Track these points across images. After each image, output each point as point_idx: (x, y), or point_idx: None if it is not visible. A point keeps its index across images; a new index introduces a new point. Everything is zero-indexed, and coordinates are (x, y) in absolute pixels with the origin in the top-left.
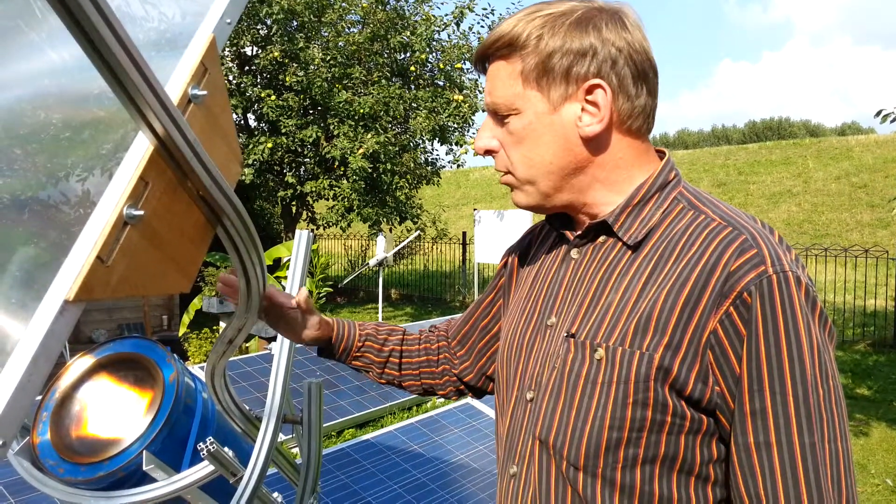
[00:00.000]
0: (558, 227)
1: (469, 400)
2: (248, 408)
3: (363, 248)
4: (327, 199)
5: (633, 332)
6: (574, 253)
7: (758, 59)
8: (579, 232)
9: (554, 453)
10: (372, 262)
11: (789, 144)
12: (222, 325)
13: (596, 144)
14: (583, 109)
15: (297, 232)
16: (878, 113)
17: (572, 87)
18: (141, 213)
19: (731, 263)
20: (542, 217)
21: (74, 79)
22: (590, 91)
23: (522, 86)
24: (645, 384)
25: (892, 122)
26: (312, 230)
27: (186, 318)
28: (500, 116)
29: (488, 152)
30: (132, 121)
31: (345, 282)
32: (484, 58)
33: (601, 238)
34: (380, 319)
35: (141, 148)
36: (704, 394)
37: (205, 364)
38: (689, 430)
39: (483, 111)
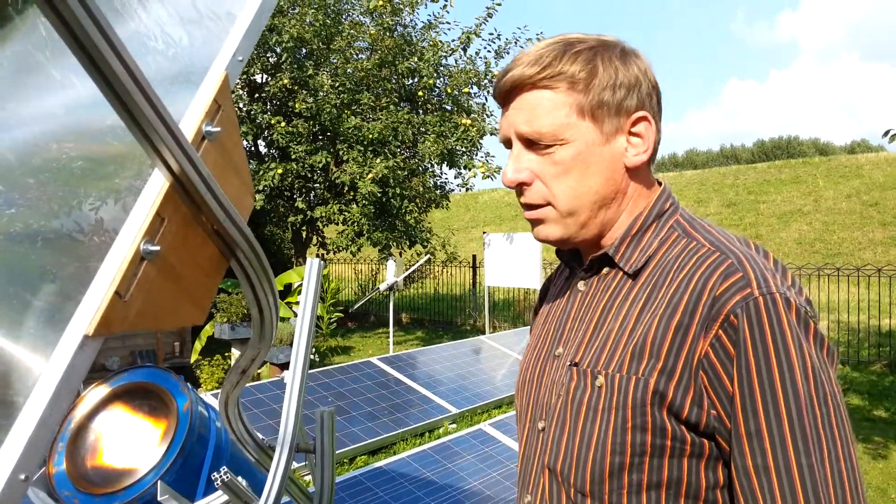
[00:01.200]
0: (567, 260)
1: (481, 426)
2: (261, 437)
3: (373, 273)
4: (337, 224)
5: (630, 358)
6: (581, 285)
7: (765, 77)
8: (586, 265)
9: (562, 481)
10: (382, 286)
11: (799, 163)
12: (234, 351)
13: (633, 174)
14: (627, 140)
15: (308, 260)
16: (886, 133)
17: (623, 119)
18: (157, 248)
19: (717, 288)
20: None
21: (91, 114)
22: (635, 123)
23: (576, 117)
24: (642, 409)
25: None
26: (322, 255)
27: (198, 345)
28: (538, 146)
29: (522, 184)
30: (147, 156)
31: (356, 307)
32: (520, 87)
33: (605, 269)
34: (391, 343)
35: (157, 184)
36: (701, 417)
37: (217, 391)
38: (690, 454)
39: (491, 135)
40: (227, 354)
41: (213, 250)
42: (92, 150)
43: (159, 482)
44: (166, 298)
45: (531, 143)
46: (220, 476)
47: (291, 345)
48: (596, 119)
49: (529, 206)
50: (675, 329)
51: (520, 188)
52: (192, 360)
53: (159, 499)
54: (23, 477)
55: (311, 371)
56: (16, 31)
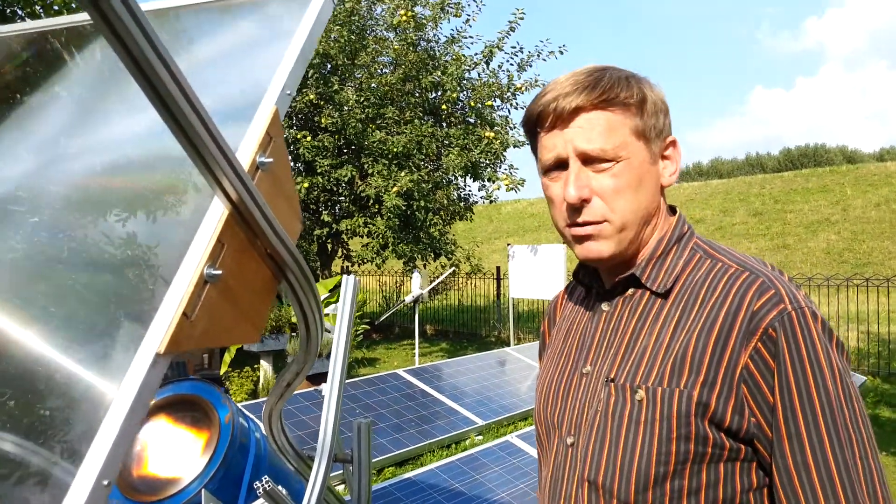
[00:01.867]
0: (587, 282)
1: (508, 437)
2: (300, 448)
3: (397, 285)
4: (362, 237)
5: (671, 372)
6: (605, 306)
7: (791, 85)
8: (608, 287)
9: (604, 493)
10: (408, 298)
11: (826, 172)
12: (263, 363)
13: (664, 193)
14: (662, 161)
15: (344, 277)
16: None
17: (663, 143)
18: (219, 272)
19: (754, 304)
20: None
21: (152, 146)
22: (668, 146)
23: (635, 138)
24: (686, 419)
25: None
26: (347, 267)
27: (228, 357)
28: (598, 163)
29: (584, 201)
30: (204, 187)
31: (381, 319)
32: (580, 109)
33: (630, 290)
34: (416, 355)
35: (216, 212)
36: (742, 425)
37: (246, 402)
38: (727, 459)
39: (514, 147)
40: (256, 366)
41: (266, 273)
42: (155, 181)
43: (203, 490)
44: (226, 318)
45: (589, 161)
46: (263, 485)
47: (320, 357)
48: (648, 140)
49: (586, 223)
50: (715, 343)
51: (580, 204)
52: (222, 372)
53: None
54: (105, 483)
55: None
56: (93, 65)
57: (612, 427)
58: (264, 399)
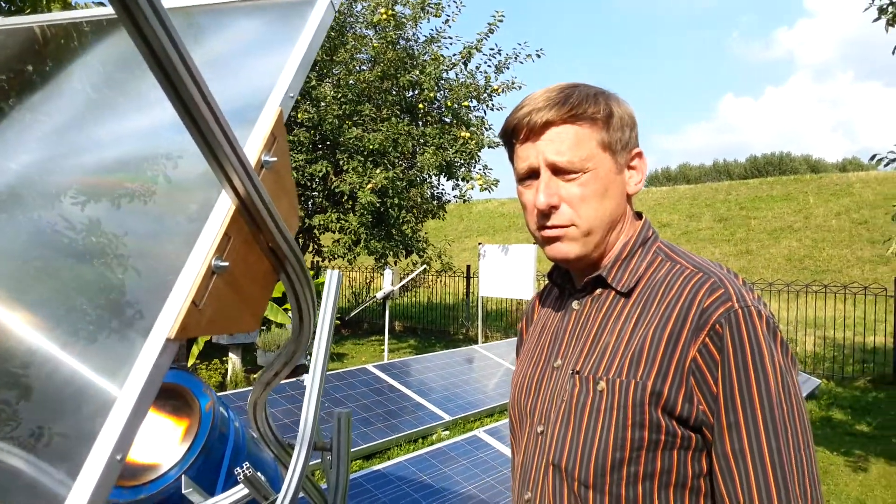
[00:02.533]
0: (560, 283)
1: (476, 432)
2: (281, 436)
3: (367, 281)
4: (334, 232)
5: (629, 365)
6: (575, 304)
7: (760, 93)
8: (579, 287)
9: (566, 475)
10: (379, 294)
11: (790, 180)
12: (231, 356)
13: (629, 201)
14: (628, 171)
15: (328, 272)
16: (873, 157)
17: (629, 154)
18: (226, 264)
19: (704, 301)
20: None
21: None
22: (634, 157)
23: (601, 150)
24: (641, 408)
25: (885, 166)
26: (318, 262)
27: (196, 349)
28: (566, 174)
29: (552, 207)
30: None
31: (352, 314)
32: (550, 123)
33: (598, 290)
34: (386, 351)
35: (224, 206)
36: (691, 413)
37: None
38: (679, 447)
39: (490, 147)
40: (224, 359)
41: (266, 265)
42: (170, 174)
43: (184, 476)
44: (231, 308)
45: (559, 171)
46: (244, 471)
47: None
48: (613, 152)
49: (554, 227)
50: (668, 338)
51: (549, 210)
52: (190, 364)
53: (184, 492)
54: (119, 458)
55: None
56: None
57: (575, 415)
58: (233, 391)
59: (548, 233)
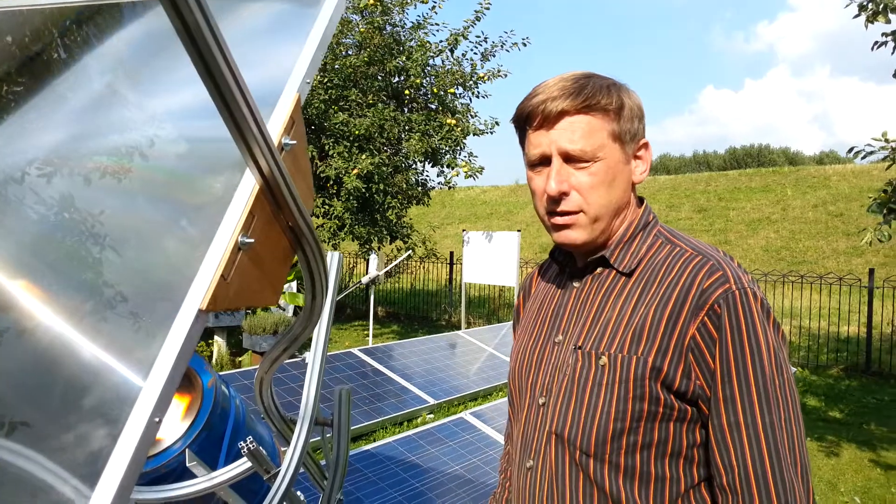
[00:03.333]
0: (561, 260)
1: (462, 414)
2: (284, 411)
3: (350, 266)
4: (318, 217)
5: (630, 341)
6: (576, 283)
7: (740, 86)
8: (580, 266)
9: (568, 444)
10: (365, 279)
11: (769, 172)
12: (217, 339)
13: (634, 189)
14: (635, 161)
15: (329, 254)
16: (851, 150)
17: (636, 145)
18: (251, 240)
19: (704, 282)
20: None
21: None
22: (641, 147)
23: (611, 140)
24: (642, 381)
25: (862, 158)
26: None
27: None
28: (578, 162)
29: (563, 194)
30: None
31: (337, 298)
32: (564, 112)
33: (598, 269)
34: (370, 336)
35: (248, 186)
36: (689, 387)
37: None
38: (676, 419)
39: (475, 135)
40: (210, 342)
41: (285, 243)
42: (198, 154)
43: (187, 450)
44: (254, 282)
45: (570, 159)
46: (247, 444)
47: (275, 334)
48: (623, 142)
49: (563, 213)
50: (669, 316)
51: (559, 197)
52: None
53: (188, 465)
54: (157, 419)
55: (292, 360)
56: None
57: (577, 388)
58: (220, 373)
59: (558, 220)
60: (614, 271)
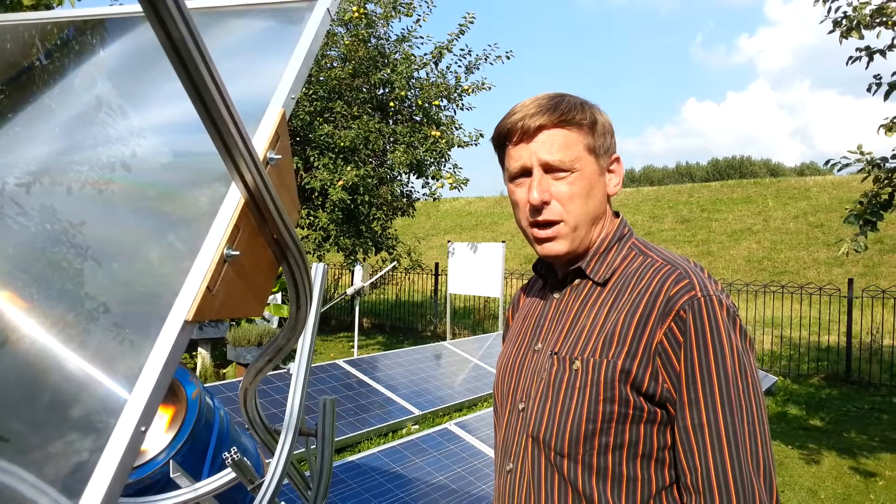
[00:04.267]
0: (543, 273)
1: (447, 425)
2: (268, 422)
3: (335, 278)
4: (303, 229)
5: (602, 346)
6: (556, 294)
7: (722, 98)
8: (560, 277)
9: (543, 446)
10: (350, 290)
11: (750, 183)
12: (201, 350)
13: (609, 202)
14: (608, 174)
15: (314, 265)
16: (827, 162)
17: (609, 158)
18: (237, 253)
19: (671, 290)
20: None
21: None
22: (613, 161)
23: (587, 153)
24: (612, 384)
25: (839, 171)
26: None
27: None
28: (557, 172)
29: (544, 203)
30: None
31: (323, 309)
32: (542, 127)
33: (577, 281)
34: (355, 347)
35: (233, 200)
36: (657, 390)
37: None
38: (646, 420)
39: (459, 147)
40: (193, 354)
41: (270, 255)
42: (184, 167)
43: (171, 461)
44: (239, 294)
45: (550, 170)
46: (231, 455)
47: (260, 345)
48: (597, 155)
49: (546, 224)
50: (637, 322)
51: (541, 206)
52: None
53: (172, 476)
54: (143, 429)
55: (277, 371)
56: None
57: (553, 392)
58: (205, 385)
59: (540, 233)
60: (591, 282)
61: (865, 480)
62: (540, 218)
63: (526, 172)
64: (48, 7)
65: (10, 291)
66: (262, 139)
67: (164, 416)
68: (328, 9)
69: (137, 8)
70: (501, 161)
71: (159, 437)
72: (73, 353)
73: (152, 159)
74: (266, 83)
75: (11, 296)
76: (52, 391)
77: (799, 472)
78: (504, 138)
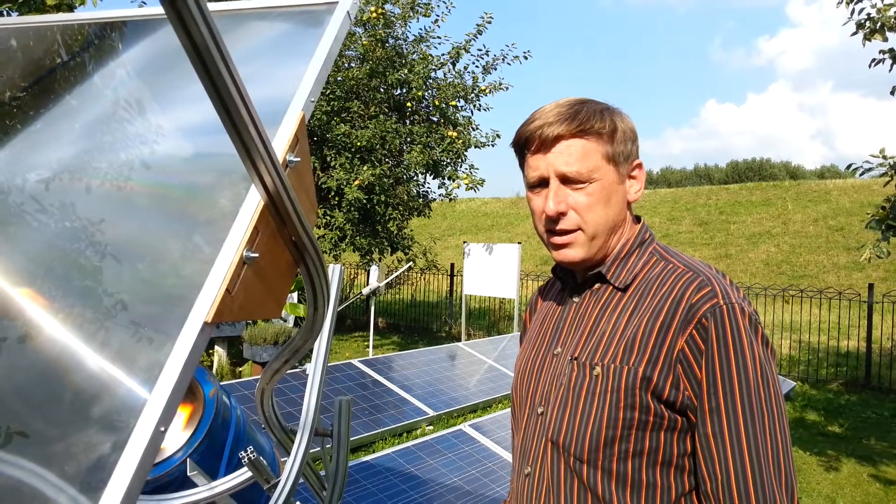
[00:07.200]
0: (562, 277)
1: (461, 426)
2: (284, 422)
3: (351, 277)
4: (319, 228)
5: (623, 352)
6: (575, 298)
7: (742, 100)
8: (580, 281)
9: (563, 451)
10: (366, 290)
11: (770, 186)
12: (217, 349)
13: (630, 208)
14: (629, 181)
15: (331, 266)
16: (849, 166)
17: (630, 165)
18: (256, 255)
19: (693, 297)
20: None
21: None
22: (635, 168)
23: (606, 162)
24: (633, 391)
25: (860, 175)
26: None
27: None
28: (574, 183)
29: (560, 214)
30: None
31: (339, 308)
32: (560, 137)
33: (597, 285)
34: (371, 347)
35: (253, 202)
36: (677, 398)
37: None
38: (667, 428)
39: (476, 147)
40: (210, 352)
41: (288, 257)
42: (206, 169)
43: (188, 460)
44: (258, 295)
45: (567, 181)
46: (248, 454)
47: (276, 344)
48: (617, 164)
49: (562, 232)
50: (659, 329)
51: (557, 216)
52: None
53: (189, 474)
54: (163, 429)
55: (293, 371)
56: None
57: (573, 397)
58: (221, 384)
59: (557, 240)
60: (611, 286)
61: (885, 488)
62: (557, 227)
63: (544, 182)
64: (70, 7)
65: (31, 289)
66: (281, 142)
67: (181, 414)
68: (348, 12)
69: (160, 10)
70: (521, 166)
71: (177, 436)
72: (93, 353)
73: (173, 160)
74: (285, 86)
75: (32, 293)
76: (74, 390)
77: (817, 478)
78: (523, 146)
